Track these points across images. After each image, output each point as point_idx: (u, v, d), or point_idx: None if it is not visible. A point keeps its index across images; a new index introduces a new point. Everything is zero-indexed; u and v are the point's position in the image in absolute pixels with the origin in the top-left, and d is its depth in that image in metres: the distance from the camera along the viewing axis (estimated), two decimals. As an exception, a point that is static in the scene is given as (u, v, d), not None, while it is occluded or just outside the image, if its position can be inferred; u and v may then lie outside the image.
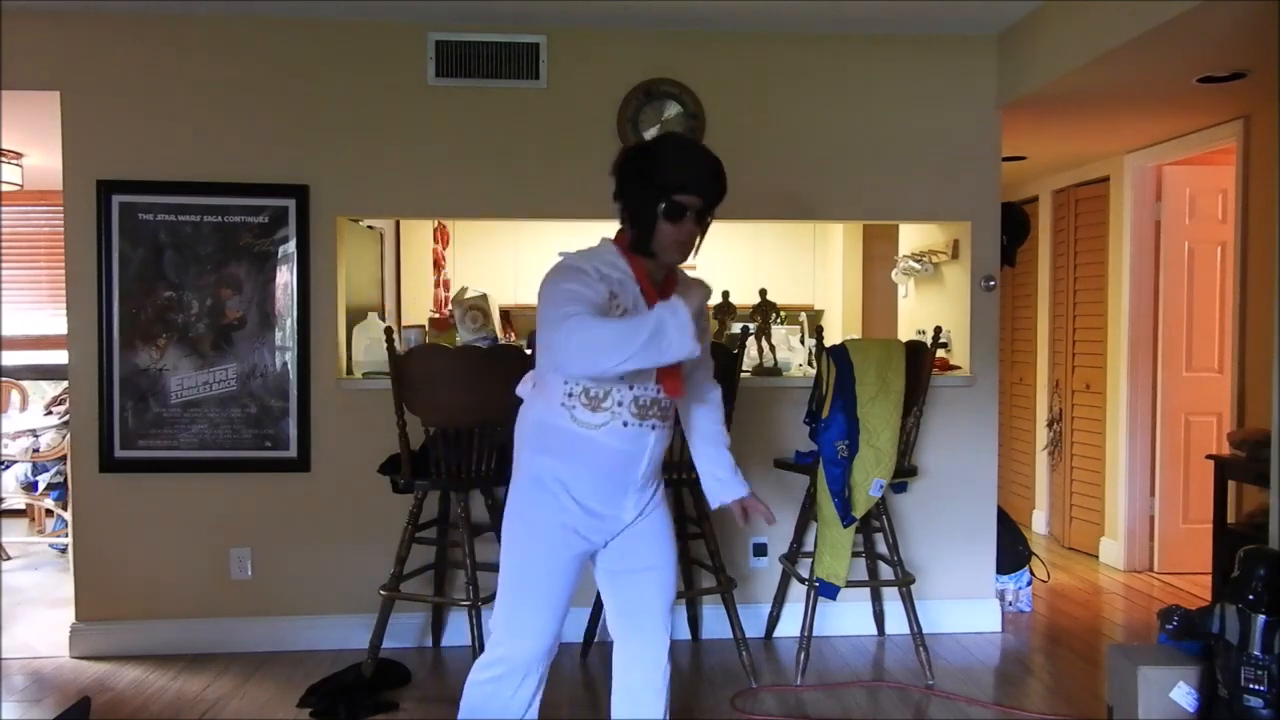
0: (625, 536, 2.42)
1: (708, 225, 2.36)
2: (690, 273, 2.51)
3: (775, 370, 4.42)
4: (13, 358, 6.64)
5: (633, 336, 2.06)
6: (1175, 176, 5.34)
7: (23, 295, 6.92)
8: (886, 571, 4.11)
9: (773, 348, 4.48)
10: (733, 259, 7.03)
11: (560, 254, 2.37)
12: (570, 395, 2.29)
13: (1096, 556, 5.69)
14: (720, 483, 2.56)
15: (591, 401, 2.29)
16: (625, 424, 2.30)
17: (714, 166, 2.33)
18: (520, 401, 2.45)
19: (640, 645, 2.47)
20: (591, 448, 2.31)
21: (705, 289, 2.43)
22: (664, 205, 2.26)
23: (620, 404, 2.30)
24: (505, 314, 6.47)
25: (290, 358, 4.09)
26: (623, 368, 2.09)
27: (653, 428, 2.34)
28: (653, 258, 2.32)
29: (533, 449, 2.37)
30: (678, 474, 3.68)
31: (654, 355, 2.06)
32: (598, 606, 3.91)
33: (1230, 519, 4.31)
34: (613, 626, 2.51)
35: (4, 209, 6.66)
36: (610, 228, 2.40)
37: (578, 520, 2.34)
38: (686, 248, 2.32)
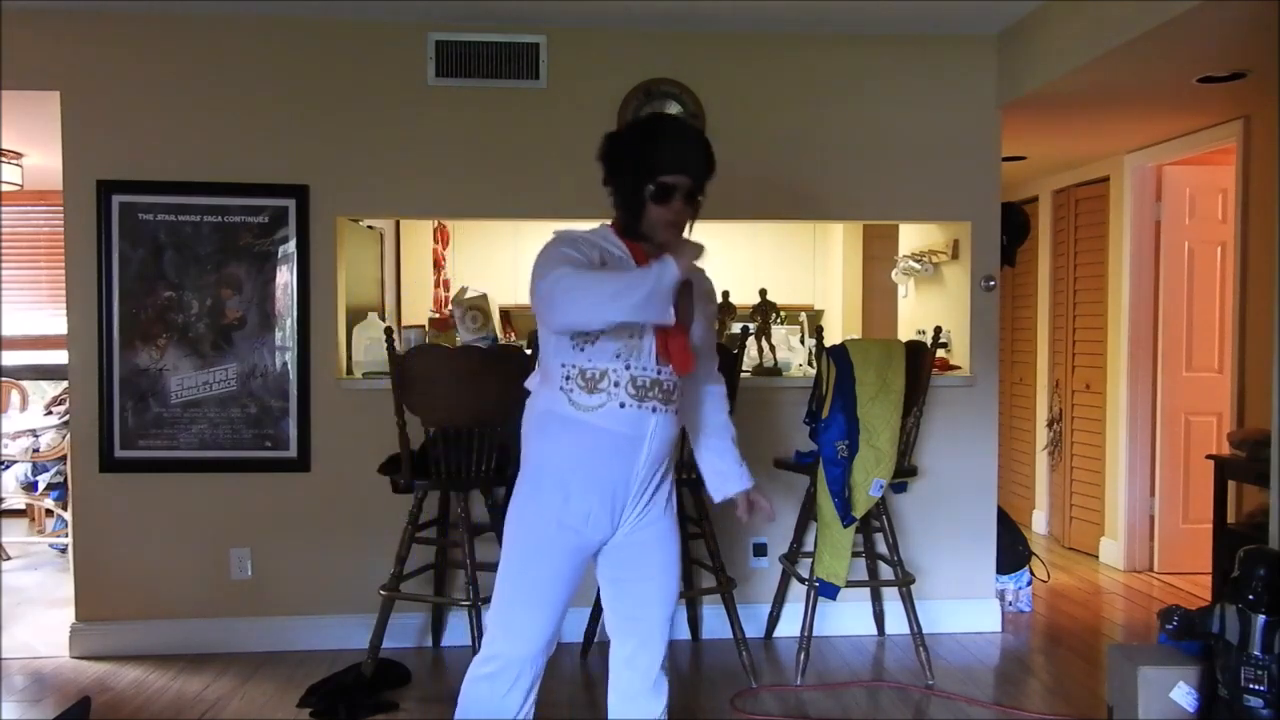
0: (630, 543, 2.37)
1: (699, 205, 2.33)
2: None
3: (775, 370, 4.42)
4: (13, 358, 6.64)
5: (617, 282, 2.12)
6: (1175, 176, 5.34)
7: (23, 295, 6.92)
8: (886, 571, 4.11)
9: (773, 348, 4.48)
10: (733, 259, 7.02)
11: (555, 232, 2.34)
12: (568, 379, 2.27)
13: (1096, 556, 5.69)
14: (721, 475, 2.53)
15: (588, 383, 2.26)
16: (623, 405, 2.25)
17: (700, 144, 2.31)
18: (527, 395, 2.44)
19: (635, 649, 2.43)
20: (590, 433, 2.26)
21: (709, 279, 2.48)
22: (652, 187, 2.25)
23: (617, 384, 2.25)
24: (505, 314, 6.47)
25: (290, 358, 4.09)
26: (605, 314, 2.10)
27: (653, 410, 2.28)
28: (644, 240, 2.32)
29: (536, 441, 2.34)
30: (678, 474, 3.67)
31: (639, 308, 2.08)
32: (597, 607, 3.90)
33: (1230, 519, 4.30)
34: (610, 627, 2.48)
35: (4, 209, 6.66)
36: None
37: (576, 518, 2.29)
38: (678, 228, 2.30)
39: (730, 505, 2.55)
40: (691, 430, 2.58)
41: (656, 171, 2.25)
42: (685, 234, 2.33)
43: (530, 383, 2.43)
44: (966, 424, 4.35)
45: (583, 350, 2.26)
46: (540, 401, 2.35)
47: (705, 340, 2.47)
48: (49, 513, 6.16)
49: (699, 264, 2.27)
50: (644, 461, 2.30)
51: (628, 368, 2.26)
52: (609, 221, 2.40)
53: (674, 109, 4.17)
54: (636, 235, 2.32)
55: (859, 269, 7.15)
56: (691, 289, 2.33)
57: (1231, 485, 4.34)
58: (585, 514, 2.30)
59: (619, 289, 2.10)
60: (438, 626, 4.17)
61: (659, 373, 2.28)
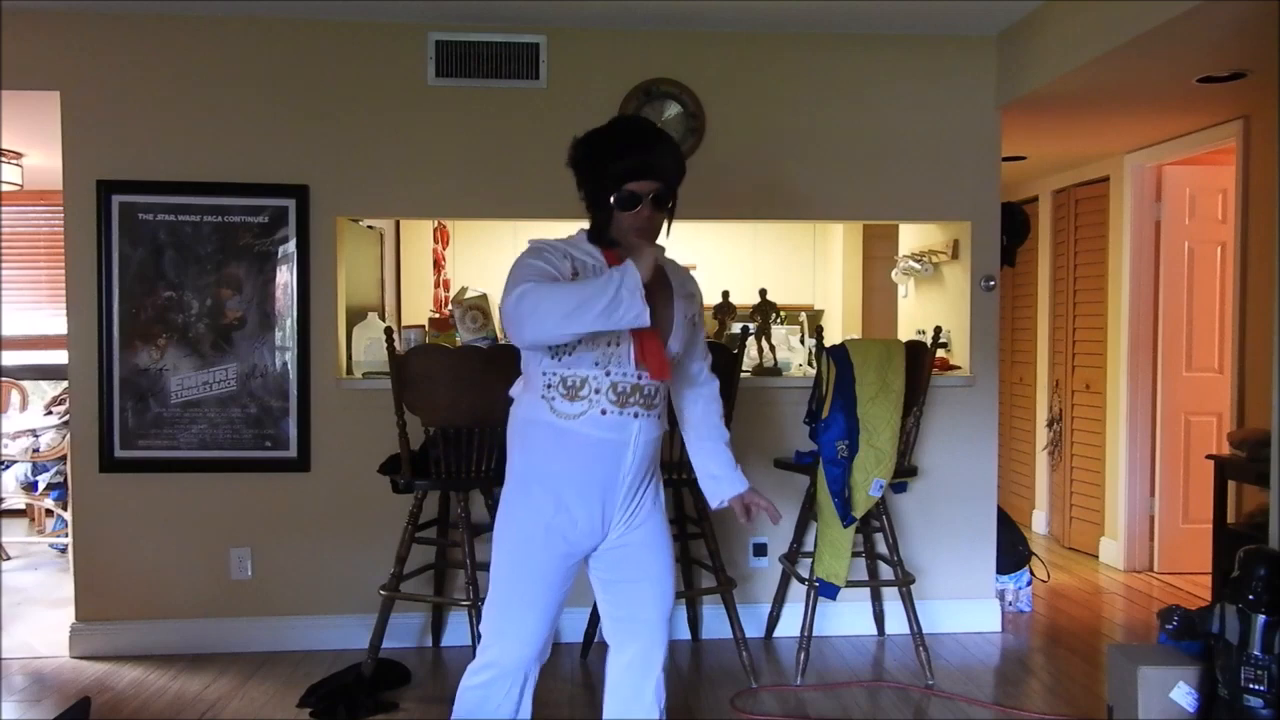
0: (619, 546, 2.36)
1: (673, 207, 2.31)
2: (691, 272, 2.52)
3: (775, 370, 4.42)
4: (13, 358, 6.64)
5: (581, 292, 2.08)
6: (1175, 176, 5.34)
7: (23, 295, 6.92)
8: (886, 571, 4.11)
9: (773, 348, 4.48)
10: (733, 259, 7.03)
11: (530, 241, 2.32)
12: (549, 386, 2.27)
13: (1096, 556, 5.69)
14: (716, 480, 2.51)
15: (570, 390, 2.26)
16: (604, 411, 2.25)
17: (665, 147, 2.27)
18: (511, 403, 2.42)
19: (634, 653, 2.42)
20: (573, 440, 2.26)
21: (692, 279, 2.47)
22: (616, 195, 2.23)
23: (598, 391, 2.25)
24: (505, 314, 6.45)
25: (290, 358, 4.09)
26: (572, 327, 2.08)
27: (635, 415, 2.27)
28: (616, 247, 2.28)
29: (520, 448, 2.34)
30: (677, 474, 3.68)
31: (605, 315, 2.05)
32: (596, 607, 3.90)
33: (1230, 519, 4.31)
34: (608, 633, 2.47)
35: (4, 209, 6.66)
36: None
37: (563, 522, 2.29)
38: (647, 234, 2.25)
39: (729, 509, 2.52)
40: (683, 429, 2.57)
41: (621, 178, 2.22)
42: (663, 237, 2.32)
43: (514, 390, 2.41)
44: (966, 424, 4.35)
45: (561, 359, 2.26)
46: (523, 409, 2.35)
47: (692, 343, 2.45)
48: (49, 513, 6.16)
49: (682, 264, 2.29)
50: (630, 466, 2.30)
51: (608, 374, 2.25)
52: (586, 226, 2.36)
53: (674, 109, 4.17)
54: (608, 242, 2.29)
55: (859, 269, 7.15)
56: (670, 292, 2.33)
57: (1231, 485, 4.34)
58: (574, 520, 2.29)
59: (582, 300, 2.07)
60: (438, 626, 4.17)
61: (639, 378, 2.27)
